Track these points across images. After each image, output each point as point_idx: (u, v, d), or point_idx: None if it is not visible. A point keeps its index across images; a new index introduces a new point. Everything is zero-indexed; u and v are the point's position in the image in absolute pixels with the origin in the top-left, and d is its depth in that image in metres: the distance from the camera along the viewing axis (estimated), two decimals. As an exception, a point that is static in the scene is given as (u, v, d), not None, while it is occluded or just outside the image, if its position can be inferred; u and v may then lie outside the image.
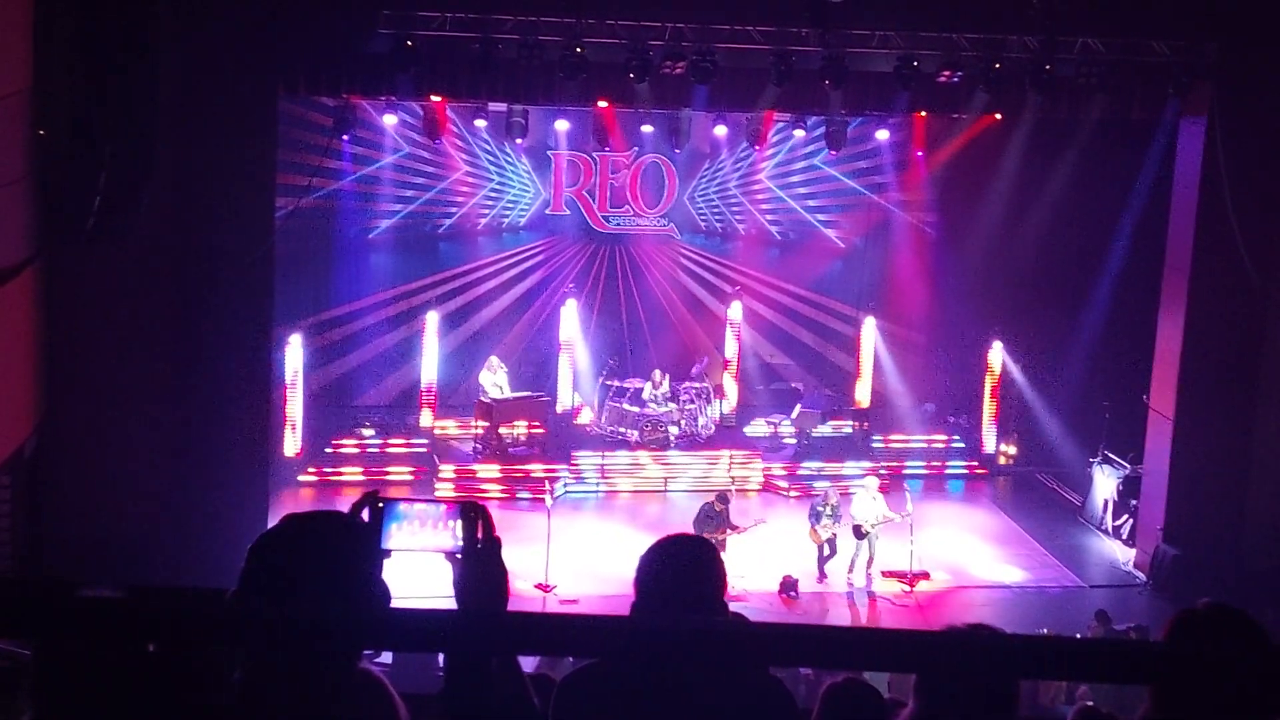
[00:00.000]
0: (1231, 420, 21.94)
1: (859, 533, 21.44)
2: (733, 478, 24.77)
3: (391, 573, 3.05)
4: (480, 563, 3.11)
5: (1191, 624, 4.05)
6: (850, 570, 21.54)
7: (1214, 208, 21.12)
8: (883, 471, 22.90)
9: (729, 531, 20.97)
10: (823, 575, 21.65)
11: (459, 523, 3.16)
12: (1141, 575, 22.66)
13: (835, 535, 21.55)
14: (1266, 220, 21.13)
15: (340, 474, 24.55)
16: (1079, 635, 18.88)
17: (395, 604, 2.75)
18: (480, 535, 3.14)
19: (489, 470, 24.93)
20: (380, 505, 3.13)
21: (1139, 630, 18.99)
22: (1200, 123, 21.28)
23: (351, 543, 2.94)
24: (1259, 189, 20.97)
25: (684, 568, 4.08)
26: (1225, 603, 4.20)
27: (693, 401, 26.27)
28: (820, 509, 21.60)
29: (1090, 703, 11.99)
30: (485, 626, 2.38)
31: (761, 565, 21.39)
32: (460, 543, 3.14)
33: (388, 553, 3.09)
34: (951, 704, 4.11)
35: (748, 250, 27.64)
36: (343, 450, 25.39)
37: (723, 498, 21.66)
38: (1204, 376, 21.81)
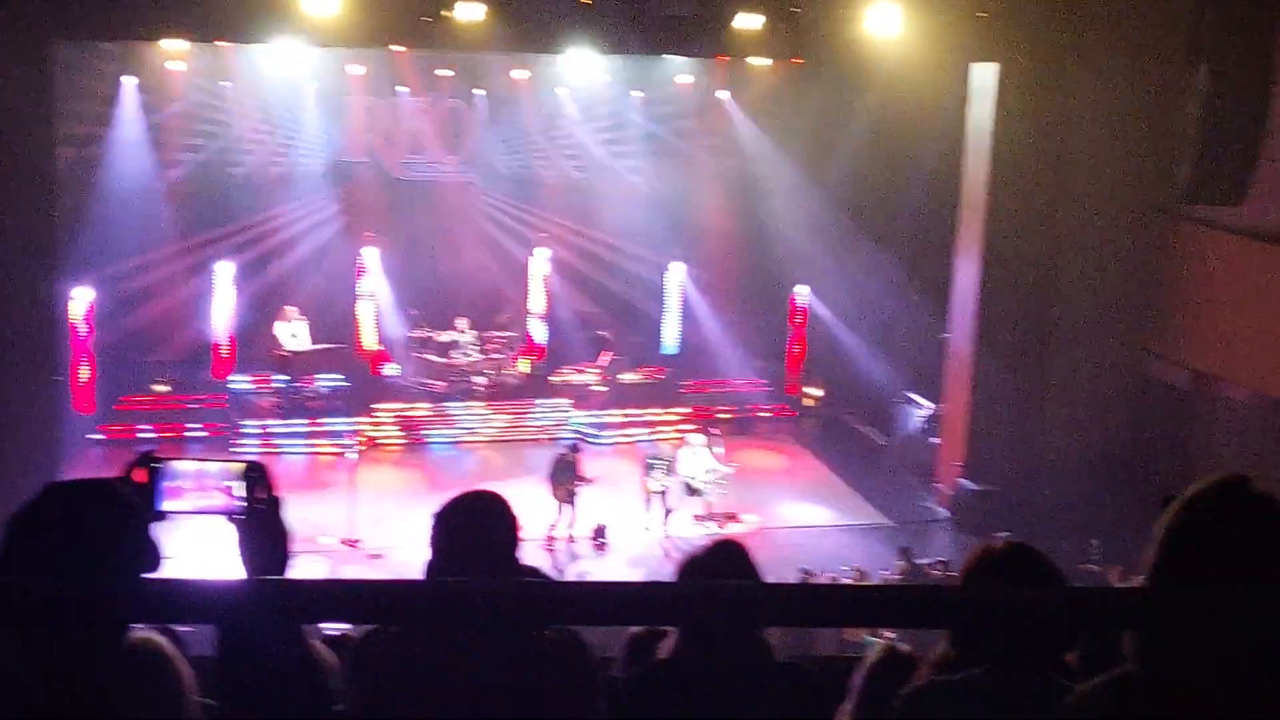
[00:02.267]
0: (1027, 359, 22.56)
1: (689, 489, 21.63)
2: (541, 426, 24.73)
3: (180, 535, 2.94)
4: (262, 523, 3.00)
5: (988, 562, 4.12)
6: (692, 522, 21.67)
7: (1007, 149, 21.57)
8: (715, 432, 22.96)
9: (579, 482, 21.00)
10: (648, 525, 21.74)
11: (240, 483, 3.04)
12: (943, 511, 23.21)
13: (668, 489, 21.64)
14: (1056, 163, 21.64)
15: (134, 432, 23.94)
16: (884, 572, 19.28)
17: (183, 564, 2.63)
18: (262, 495, 3.03)
19: (290, 424, 24.54)
20: (156, 466, 3.00)
21: (942, 565, 19.44)
22: (992, 67, 21.69)
23: (116, 511, 2.81)
24: (1047, 131, 21.46)
25: (475, 525, 4.01)
26: (1020, 541, 4.28)
27: (499, 351, 26.13)
28: (653, 462, 21.71)
29: (892, 636, 12.23)
30: (254, 598, 2.29)
31: (578, 512, 21.43)
32: (241, 503, 3.03)
33: (164, 515, 2.98)
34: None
35: (553, 197, 27.48)
36: (136, 408, 24.75)
37: (574, 446, 21.72)
38: (1000, 316, 22.35)
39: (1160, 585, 2.74)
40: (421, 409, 25.34)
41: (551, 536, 20.83)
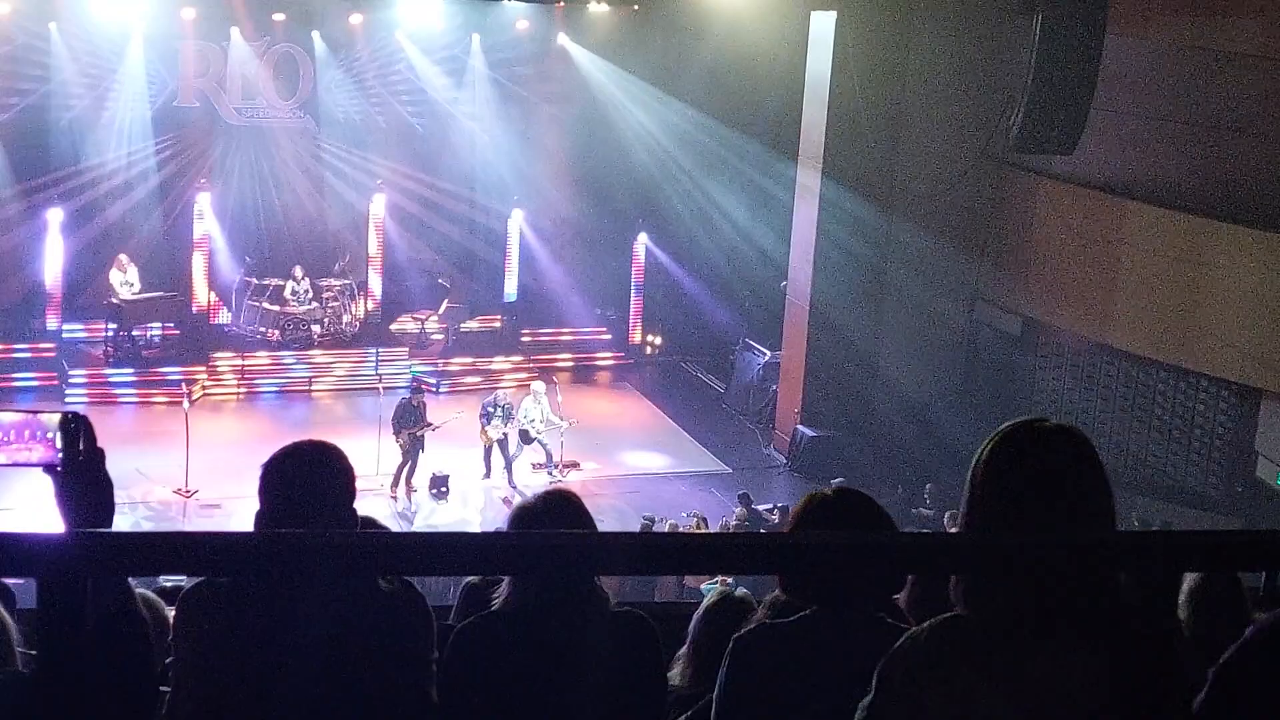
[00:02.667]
0: (862, 307, 22.89)
1: (525, 437, 21.62)
2: (379, 375, 24.53)
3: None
4: (81, 476, 2.93)
5: (818, 509, 4.18)
6: (509, 470, 21.64)
7: (844, 97, 21.79)
8: (553, 380, 22.93)
9: (426, 427, 20.89)
10: (488, 472, 21.70)
11: (58, 434, 2.97)
12: (781, 457, 23.51)
13: (506, 436, 21.59)
14: (893, 111, 21.93)
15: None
16: (724, 518, 19.49)
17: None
18: (81, 447, 2.95)
19: (122, 373, 24.06)
20: (-30, 419, 2.93)
21: (780, 510, 19.71)
22: (830, 15, 21.86)
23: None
24: (884, 80, 21.71)
25: (307, 475, 3.95)
26: (848, 487, 4.35)
27: (336, 299, 25.83)
28: (491, 410, 21.61)
29: (728, 581, 12.37)
30: (78, 551, 2.23)
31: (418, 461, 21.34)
32: (60, 455, 2.96)
33: None
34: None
35: (391, 143, 27.10)
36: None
37: (417, 388, 21.62)
38: (837, 265, 22.63)
39: (974, 526, 2.79)
40: (257, 357, 24.98)
41: (395, 485, 20.73)
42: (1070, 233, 21.51)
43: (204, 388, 24.12)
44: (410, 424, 20.94)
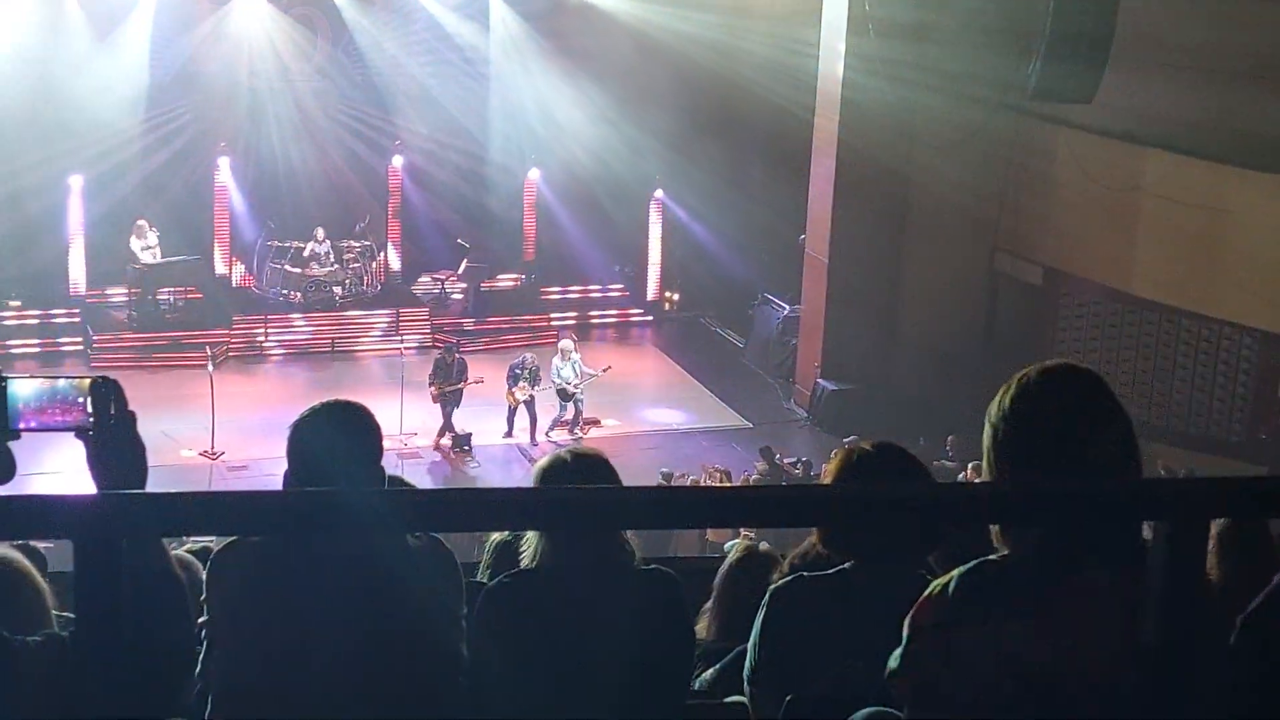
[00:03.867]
0: (882, 259, 22.82)
1: (564, 395, 21.69)
2: (401, 335, 24.58)
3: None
4: (114, 440, 2.95)
5: (857, 462, 4.17)
6: (549, 429, 21.72)
7: (861, 46, 21.64)
8: (574, 339, 22.91)
9: (465, 383, 21.08)
10: (509, 430, 21.76)
11: (89, 399, 2.99)
12: (802, 411, 23.49)
13: (533, 398, 21.63)
14: (910, 61, 21.76)
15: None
16: (745, 473, 19.50)
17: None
18: (112, 411, 2.96)
19: (146, 337, 24.14)
20: (2, 384, 2.95)
21: (803, 464, 19.72)
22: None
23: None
24: (901, 30, 21.54)
25: (334, 434, 3.97)
26: (887, 441, 4.35)
27: (357, 260, 25.84)
28: (519, 372, 21.67)
29: (751, 536, 12.41)
30: (111, 511, 2.25)
31: (436, 421, 21.42)
32: (91, 419, 2.98)
33: (15, 434, 2.94)
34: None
35: (410, 104, 27.00)
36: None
37: (450, 348, 21.74)
38: (855, 217, 22.54)
39: (999, 473, 2.81)
40: (279, 319, 25.03)
41: (440, 441, 21.01)
42: (1089, 182, 21.41)
43: (228, 350, 24.19)
44: (442, 379, 21.14)
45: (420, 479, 19.11)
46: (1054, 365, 2.88)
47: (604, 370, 22.03)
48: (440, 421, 21.29)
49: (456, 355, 21.78)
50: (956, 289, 23.26)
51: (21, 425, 2.95)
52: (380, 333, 25.27)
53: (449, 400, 21.26)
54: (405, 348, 23.29)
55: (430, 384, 21.34)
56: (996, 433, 2.83)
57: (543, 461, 4.45)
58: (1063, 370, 2.87)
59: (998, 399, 2.86)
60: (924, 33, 21.58)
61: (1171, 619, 2.40)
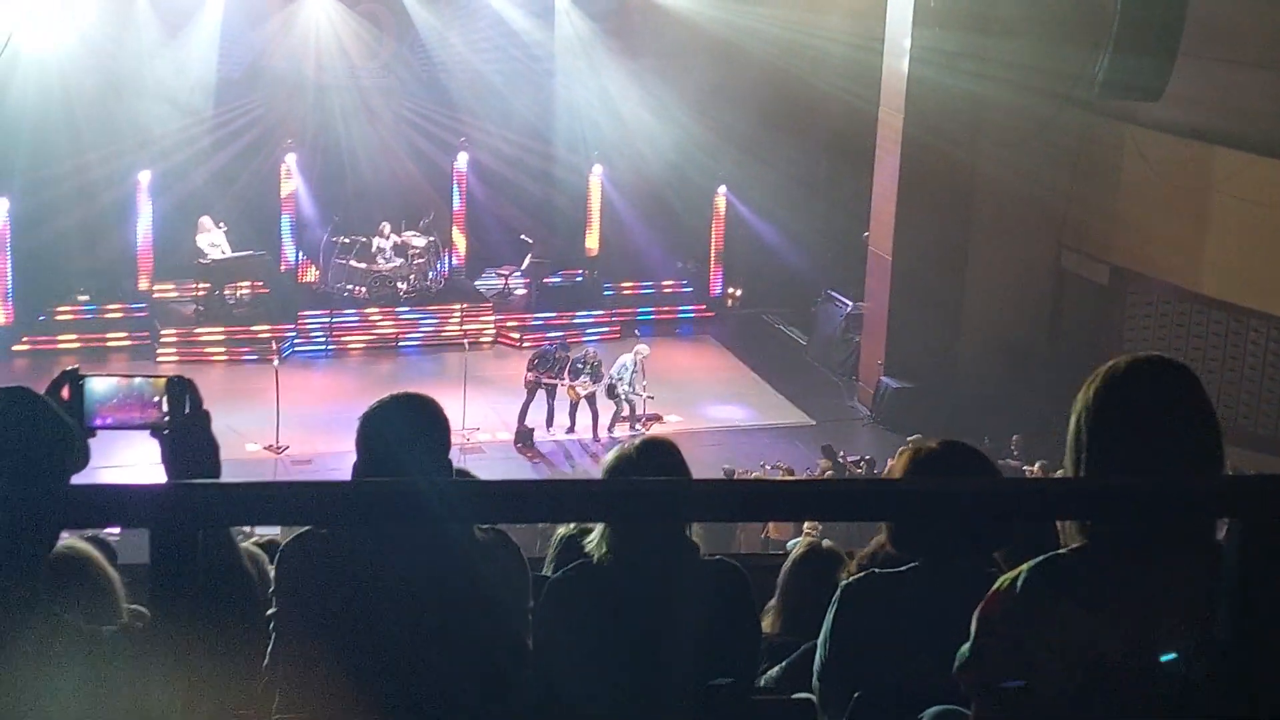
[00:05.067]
0: (947, 256, 22.68)
1: (611, 392, 21.72)
2: (465, 330, 24.68)
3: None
4: (188, 437, 2.98)
5: (924, 460, 4.15)
6: (611, 425, 21.80)
7: (926, 43, 21.51)
8: (644, 350, 22.91)
9: (557, 380, 21.24)
10: (572, 427, 21.84)
11: (164, 397, 3.02)
12: (865, 409, 23.40)
13: (595, 394, 21.72)
14: (976, 57, 21.61)
15: (55, 342, 23.69)
16: (808, 471, 19.45)
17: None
18: (186, 409, 2.99)
19: (212, 332, 24.34)
20: (80, 382, 2.98)
21: (866, 463, 19.63)
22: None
23: (41, 415, 2.76)
24: (966, 24, 21.39)
25: (403, 426, 3.99)
26: (954, 440, 4.32)
27: (421, 256, 25.95)
28: (580, 367, 21.76)
29: (814, 532, 12.37)
30: (185, 499, 2.27)
31: (498, 417, 21.50)
32: (166, 417, 3.01)
33: (92, 431, 2.97)
34: None
35: (474, 100, 27.06)
36: (58, 318, 24.43)
37: (563, 345, 21.88)
38: (920, 214, 22.41)
39: (1082, 465, 2.78)
40: (345, 315, 25.18)
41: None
42: (1158, 180, 21.20)
43: (293, 345, 24.35)
44: (542, 369, 21.29)
45: (483, 473, 19.16)
46: (1144, 357, 2.84)
47: (648, 397, 22.00)
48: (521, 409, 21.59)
49: (566, 355, 21.91)
50: (1022, 287, 23.10)
51: (98, 422, 2.98)
52: (444, 328, 25.33)
53: (539, 391, 21.51)
54: (469, 343, 23.36)
55: (531, 370, 21.70)
56: (1080, 424, 2.80)
57: (612, 453, 4.45)
58: (1152, 363, 2.83)
59: (1083, 391, 2.82)
60: (990, 25, 21.43)
61: (1244, 615, 2.38)
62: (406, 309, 25.44)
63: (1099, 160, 22.25)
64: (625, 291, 27.13)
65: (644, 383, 21.96)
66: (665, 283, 27.46)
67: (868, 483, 2.58)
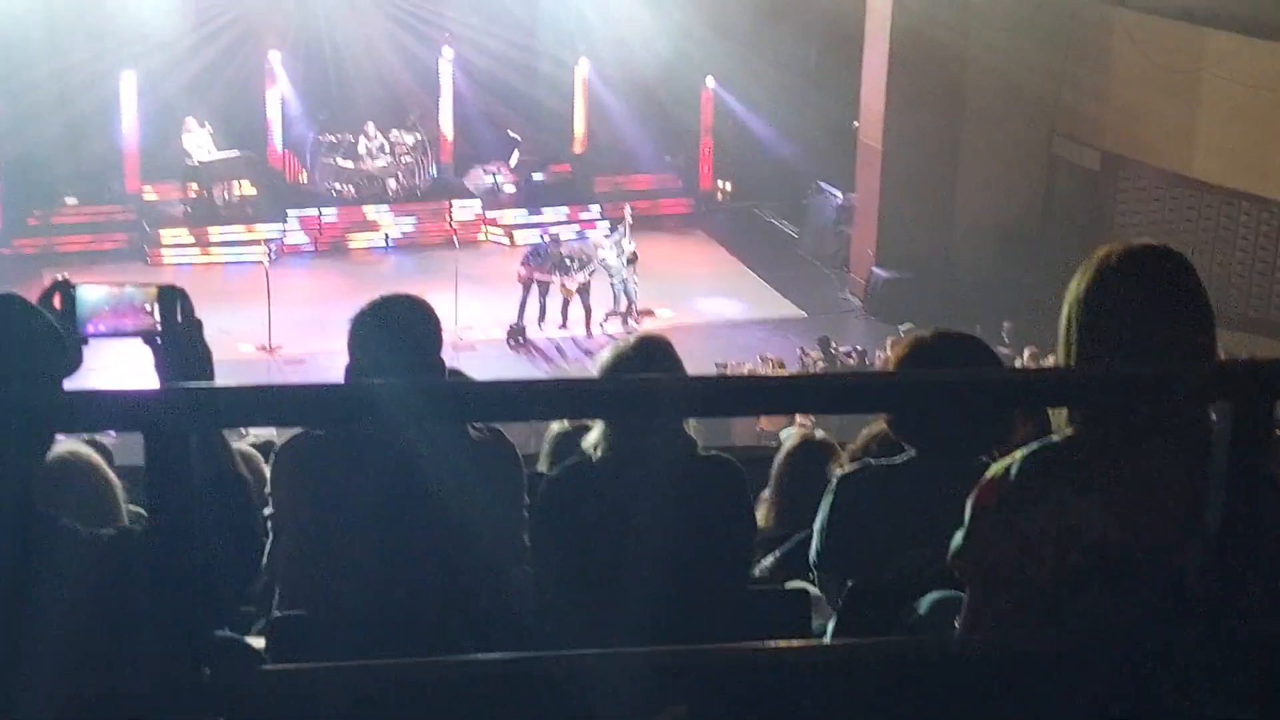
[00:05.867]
0: (938, 145, 22.56)
1: (610, 270, 21.79)
2: (455, 228, 24.59)
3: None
4: (181, 345, 2.97)
5: (924, 349, 4.11)
6: (604, 320, 21.80)
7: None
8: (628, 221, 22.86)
9: (562, 277, 21.15)
10: (564, 323, 21.84)
11: (156, 304, 3.01)
12: (857, 300, 23.40)
13: (587, 287, 21.68)
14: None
15: (45, 246, 23.57)
16: (800, 363, 19.47)
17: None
18: (179, 318, 2.99)
19: (201, 232, 24.25)
20: (71, 290, 2.97)
21: (858, 354, 19.66)
22: None
23: (31, 319, 2.76)
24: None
25: (395, 326, 3.99)
26: (953, 329, 4.30)
27: (408, 153, 25.79)
28: (570, 262, 21.74)
29: (807, 424, 12.41)
30: (177, 402, 2.27)
31: (491, 315, 21.50)
32: (159, 325, 3.00)
33: (84, 340, 2.97)
34: None
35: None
36: (44, 223, 24.30)
37: (555, 240, 21.82)
38: (910, 102, 22.26)
39: (1076, 353, 2.78)
40: (333, 213, 25.07)
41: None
42: (1149, 64, 21.05)
43: (283, 245, 24.26)
44: (536, 265, 21.43)
45: (476, 372, 19.18)
46: (1135, 245, 2.82)
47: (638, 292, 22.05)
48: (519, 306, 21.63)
49: (556, 249, 21.90)
50: (1014, 174, 23.01)
51: (90, 330, 2.97)
52: (434, 225, 25.23)
53: (539, 288, 21.59)
54: (459, 240, 23.27)
55: (524, 265, 21.68)
56: (1071, 312, 2.80)
57: (608, 351, 4.45)
58: (1144, 251, 2.81)
59: (1075, 280, 2.80)
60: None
61: (1234, 498, 2.40)
62: (395, 206, 25.31)
63: (1089, 45, 22.09)
64: (614, 186, 26.98)
65: (635, 277, 21.97)
66: (655, 177, 27.30)
67: (858, 376, 2.56)
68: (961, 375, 3.06)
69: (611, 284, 21.85)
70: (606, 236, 22.67)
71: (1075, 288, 2.79)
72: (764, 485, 5.68)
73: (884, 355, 18.69)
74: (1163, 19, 20.80)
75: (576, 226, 25.10)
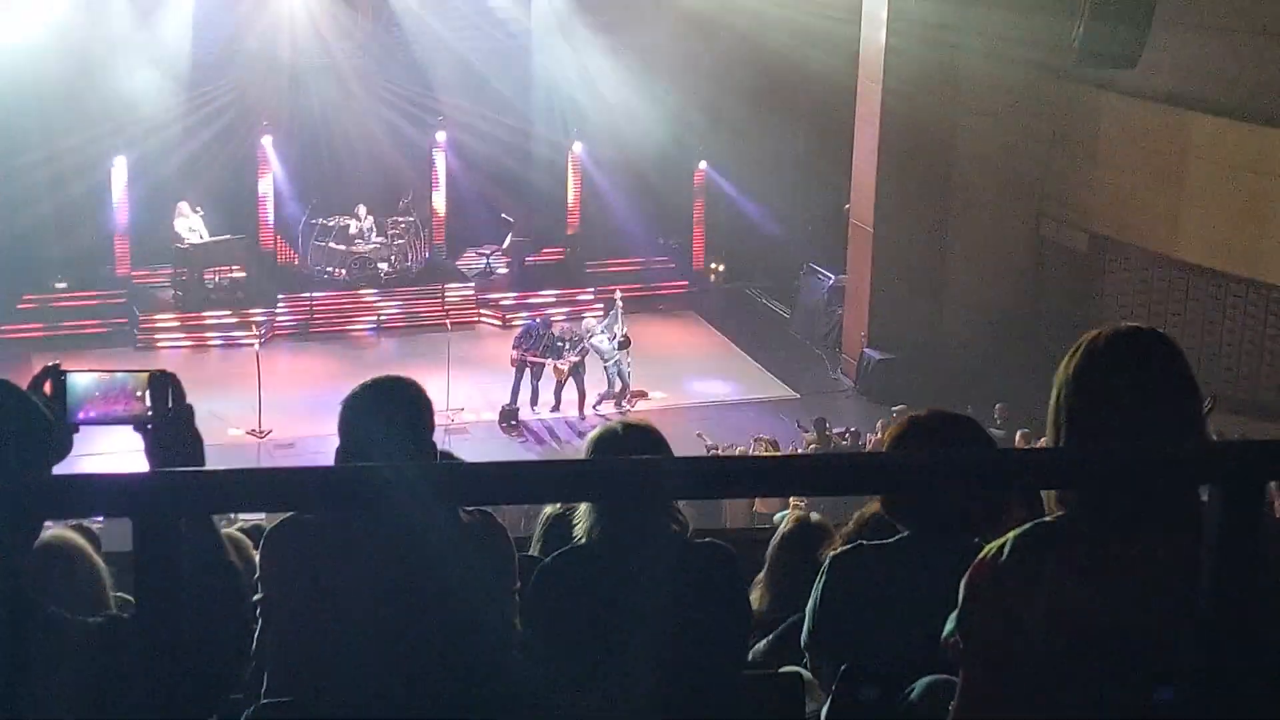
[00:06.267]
0: (927, 227, 22.70)
1: (604, 354, 21.80)
2: (447, 310, 24.64)
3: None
4: (172, 431, 2.97)
5: (917, 429, 4.13)
6: (597, 403, 21.78)
7: (902, 14, 21.50)
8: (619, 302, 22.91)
9: (554, 359, 21.27)
10: (557, 405, 21.82)
11: (147, 391, 3.01)
12: (849, 381, 23.43)
13: (581, 370, 21.68)
14: (952, 27, 21.59)
15: (33, 330, 23.59)
16: (793, 444, 19.46)
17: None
18: (170, 403, 2.99)
19: (192, 318, 24.28)
20: (62, 377, 2.97)
21: (851, 434, 19.66)
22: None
23: (20, 405, 2.75)
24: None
25: (386, 408, 3.99)
26: (946, 409, 4.31)
27: (401, 236, 25.88)
28: (562, 344, 21.75)
29: (801, 507, 12.41)
30: (166, 487, 2.27)
31: (483, 397, 21.51)
32: (150, 412, 3.00)
33: (74, 427, 2.97)
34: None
35: (450, 79, 26.94)
36: (35, 306, 24.34)
37: (546, 322, 21.85)
38: (900, 185, 22.42)
39: (1065, 435, 2.80)
40: (325, 298, 25.11)
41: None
42: (1135, 147, 21.24)
43: (274, 329, 24.29)
44: (527, 347, 21.42)
45: (468, 454, 19.14)
46: (1123, 329, 2.85)
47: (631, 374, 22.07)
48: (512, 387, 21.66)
49: (547, 330, 21.89)
50: (1003, 256, 23.14)
51: (81, 417, 2.97)
52: (427, 309, 25.28)
53: (531, 370, 21.58)
54: (452, 323, 23.33)
55: (516, 347, 21.70)
56: (1060, 395, 2.82)
57: (594, 433, 4.45)
58: (1131, 334, 2.84)
59: (1064, 361, 2.84)
60: (966, -2, 21.42)
61: (1226, 579, 2.39)
62: (387, 290, 25.37)
63: (1077, 128, 22.28)
64: (607, 269, 27.08)
65: (629, 359, 22.00)
66: (647, 259, 27.37)
67: (852, 457, 2.56)
68: (956, 456, 3.06)
69: (605, 368, 21.87)
70: (598, 321, 22.67)
71: (1064, 370, 2.82)
72: (758, 568, 5.66)
73: (876, 436, 18.71)
74: (1148, 103, 20.98)
75: (568, 309, 25.15)
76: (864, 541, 4.15)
